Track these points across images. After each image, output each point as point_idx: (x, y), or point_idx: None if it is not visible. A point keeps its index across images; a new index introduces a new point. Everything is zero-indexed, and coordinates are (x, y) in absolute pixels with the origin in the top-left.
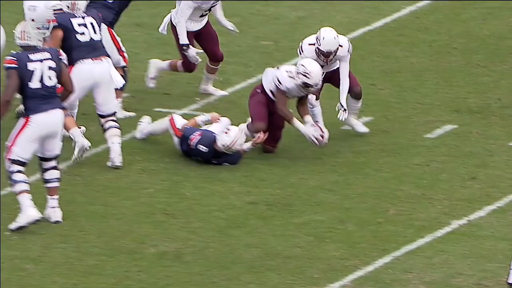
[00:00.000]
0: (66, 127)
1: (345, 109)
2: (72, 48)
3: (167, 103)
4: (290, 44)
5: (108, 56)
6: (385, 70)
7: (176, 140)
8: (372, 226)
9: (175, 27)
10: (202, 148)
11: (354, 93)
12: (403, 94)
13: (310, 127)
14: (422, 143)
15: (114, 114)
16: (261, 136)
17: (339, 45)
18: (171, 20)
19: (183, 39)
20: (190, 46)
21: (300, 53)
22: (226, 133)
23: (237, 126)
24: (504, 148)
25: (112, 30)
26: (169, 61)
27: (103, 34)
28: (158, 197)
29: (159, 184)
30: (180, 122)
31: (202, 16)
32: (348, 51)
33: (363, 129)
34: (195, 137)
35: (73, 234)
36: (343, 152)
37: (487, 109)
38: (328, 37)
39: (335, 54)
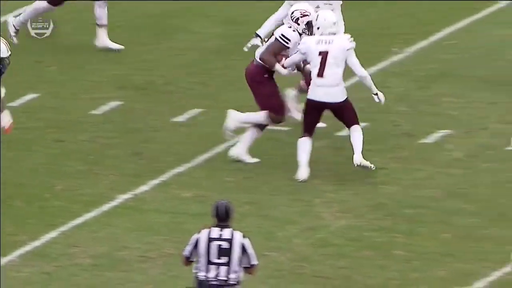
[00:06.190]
0: None
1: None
2: None
3: None
4: None
5: None
6: (55, 48)
7: None
8: (40, 202)
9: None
10: None
11: None
12: (70, 72)
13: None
14: (88, 120)
15: None
16: None
17: None
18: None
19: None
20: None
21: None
22: None
23: None
24: (167, 124)
25: None
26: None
27: None
28: None
29: None
30: None
31: None
32: None
33: None
34: None
35: None
36: None
37: (151, 86)
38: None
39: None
